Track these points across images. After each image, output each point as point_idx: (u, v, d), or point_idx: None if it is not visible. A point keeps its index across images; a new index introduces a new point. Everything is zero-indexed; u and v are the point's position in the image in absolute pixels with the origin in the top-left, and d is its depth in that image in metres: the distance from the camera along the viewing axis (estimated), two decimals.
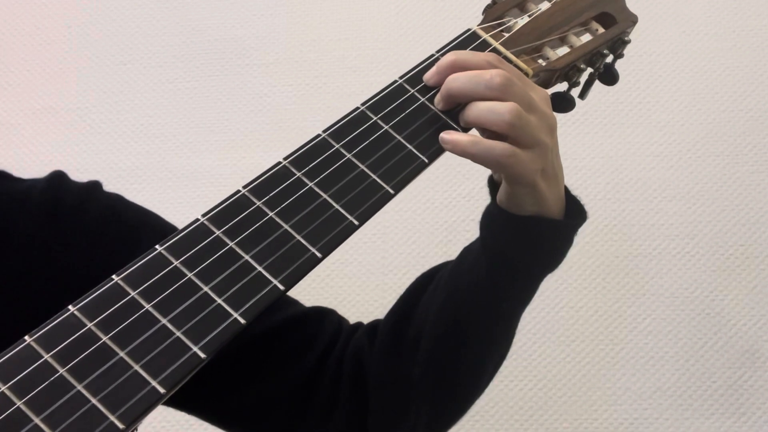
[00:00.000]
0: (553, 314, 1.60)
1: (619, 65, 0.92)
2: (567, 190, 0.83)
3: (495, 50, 0.81)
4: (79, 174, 1.69)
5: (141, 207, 0.90)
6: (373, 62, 1.76)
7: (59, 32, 1.84)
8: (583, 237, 1.67)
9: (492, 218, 0.82)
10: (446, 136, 0.75)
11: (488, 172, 0.83)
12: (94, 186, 0.90)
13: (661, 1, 1.75)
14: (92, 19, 1.84)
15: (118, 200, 0.90)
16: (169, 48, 1.81)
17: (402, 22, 1.79)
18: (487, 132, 0.76)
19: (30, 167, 1.73)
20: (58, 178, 0.89)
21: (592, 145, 1.69)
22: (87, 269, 0.68)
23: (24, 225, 0.84)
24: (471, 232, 1.68)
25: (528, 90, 0.76)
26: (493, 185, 0.83)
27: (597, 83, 0.90)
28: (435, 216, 1.64)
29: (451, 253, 1.70)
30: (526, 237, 0.80)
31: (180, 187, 1.71)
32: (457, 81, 0.75)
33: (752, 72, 1.70)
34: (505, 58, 0.80)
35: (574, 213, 0.82)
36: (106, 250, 0.83)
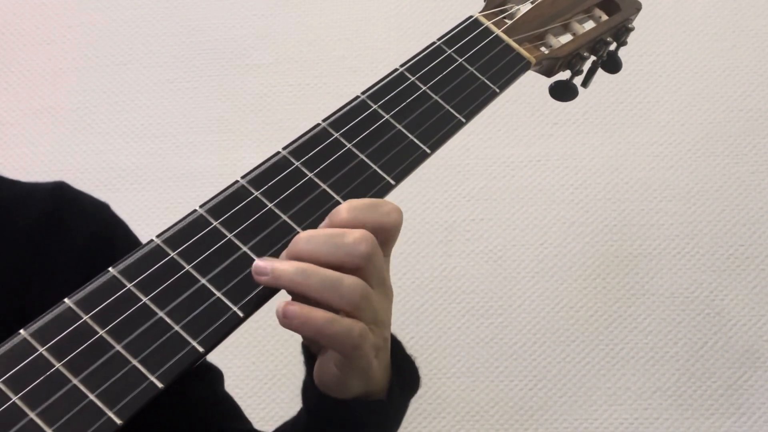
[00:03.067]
0: (552, 314, 1.59)
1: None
2: (402, 349, 0.75)
3: (497, 37, 0.80)
4: (79, 174, 1.70)
5: (138, 241, 0.86)
6: (373, 62, 1.76)
7: (59, 32, 1.83)
8: (583, 237, 1.67)
9: (312, 401, 0.72)
10: (289, 307, 0.62)
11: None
12: (101, 205, 0.88)
13: (661, 1, 1.75)
14: (92, 19, 1.84)
15: (118, 226, 0.87)
16: (169, 48, 1.81)
17: (402, 22, 1.79)
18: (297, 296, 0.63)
19: (30, 167, 1.73)
20: (61, 188, 0.87)
21: (592, 145, 1.68)
22: (69, 284, 0.66)
23: (15, 230, 0.82)
24: (471, 232, 1.68)
25: (385, 264, 0.66)
26: (307, 353, 0.73)
27: (600, 71, 0.89)
28: (435, 216, 1.63)
29: (451, 253, 1.70)
30: (355, 423, 0.70)
31: (180, 187, 1.71)
32: (310, 242, 0.63)
33: (752, 72, 1.70)
34: (508, 45, 0.79)
35: (406, 378, 0.73)
36: (91, 270, 0.79)
